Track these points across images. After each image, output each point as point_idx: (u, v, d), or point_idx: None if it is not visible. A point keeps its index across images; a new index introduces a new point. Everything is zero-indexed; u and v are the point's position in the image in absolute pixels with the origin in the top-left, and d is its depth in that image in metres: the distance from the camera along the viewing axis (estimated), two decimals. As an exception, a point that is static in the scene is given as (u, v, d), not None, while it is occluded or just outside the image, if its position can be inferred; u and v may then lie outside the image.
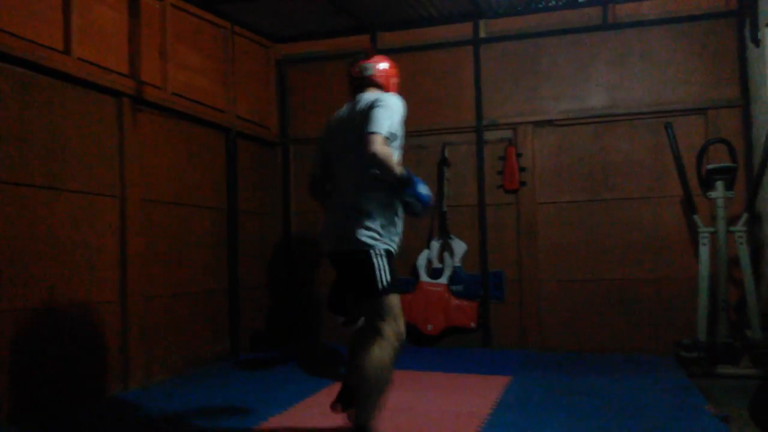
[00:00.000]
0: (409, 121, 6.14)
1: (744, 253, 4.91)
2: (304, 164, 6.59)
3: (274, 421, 3.69)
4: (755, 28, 5.13)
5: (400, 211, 3.13)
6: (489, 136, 6.14)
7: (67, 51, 4.18)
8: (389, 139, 2.91)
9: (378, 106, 2.95)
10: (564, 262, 5.91)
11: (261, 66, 6.53)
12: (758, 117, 5.24)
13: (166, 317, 5.02)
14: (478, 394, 4.26)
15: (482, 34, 6.22)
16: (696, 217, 5.18)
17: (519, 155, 5.99)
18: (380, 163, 2.85)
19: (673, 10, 5.76)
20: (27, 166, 3.89)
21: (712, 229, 5.06)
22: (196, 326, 5.37)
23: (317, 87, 6.64)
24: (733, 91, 5.57)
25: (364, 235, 2.97)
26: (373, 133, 2.85)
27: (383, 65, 3.33)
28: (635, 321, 5.68)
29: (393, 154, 2.91)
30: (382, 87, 3.28)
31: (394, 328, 2.95)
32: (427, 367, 5.20)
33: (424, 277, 5.99)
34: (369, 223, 2.99)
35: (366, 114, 2.96)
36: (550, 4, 6.01)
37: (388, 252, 3.01)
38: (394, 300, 3.01)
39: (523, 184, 5.98)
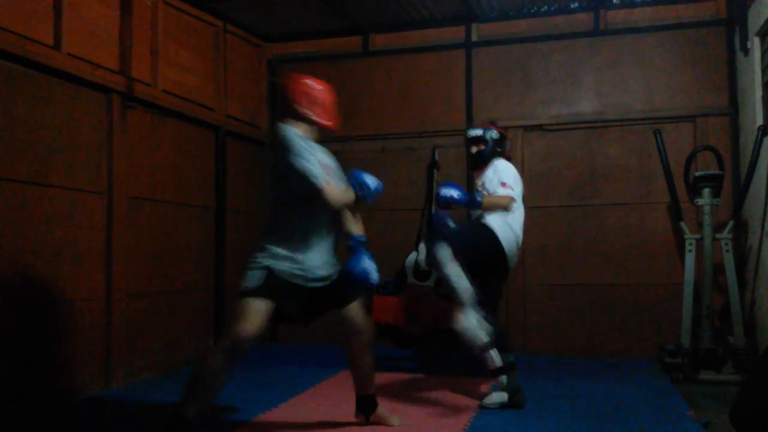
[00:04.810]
0: (399, 123, 6.26)
1: (729, 260, 4.95)
2: (294, 164, 6.59)
3: (258, 421, 3.69)
4: (744, 37, 5.17)
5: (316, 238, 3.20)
6: (479, 139, 6.15)
7: (57, 46, 4.16)
8: (325, 177, 3.05)
9: (292, 158, 3.03)
10: (550, 266, 5.93)
11: (252, 65, 6.52)
12: (746, 125, 5.29)
13: (151, 315, 5.00)
14: (462, 397, 4.27)
15: (474, 38, 6.25)
16: (682, 224, 5.21)
17: (508, 159, 5.99)
18: (343, 206, 3.16)
19: (664, 18, 5.81)
20: (13, 162, 3.87)
21: (698, 236, 5.09)
22: (181, 325, 5.35)
23: (308, 87, 6.63)
24: (722, 99, 5.62)
25: (256, 257, 3.15)
26: (318, 188, 3.02)
27: (285, 93, 3.25)
28: (619, 326, 5.71)
29: (340, 193, 3.11)
30: (295, 112, 3.21)
31: (235, 330, 3.03)
32: (413, 370, 5.20)
33: (411, 279, 5.99)
34: (267, 247, 3.13)
35: (277, 155, 3.10)
36: (542, 10, 6.04)
37: (265, 268, 3.10)
38: (253, 304, 3.07)
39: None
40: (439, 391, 4.48)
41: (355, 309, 3.35)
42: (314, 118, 3.21)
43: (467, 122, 6.16)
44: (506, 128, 6.02)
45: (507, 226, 4.09)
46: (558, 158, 5.99)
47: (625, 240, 5.77)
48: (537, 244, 5.96)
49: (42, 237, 4.04)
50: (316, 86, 3.23)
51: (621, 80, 5.88)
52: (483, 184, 4.27)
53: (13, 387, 3.81)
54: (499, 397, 3.93)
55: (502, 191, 4.06)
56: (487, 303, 4.01)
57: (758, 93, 4.96)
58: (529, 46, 6.10)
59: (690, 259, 5.08)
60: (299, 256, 3.13)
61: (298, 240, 3.13)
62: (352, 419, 3.58)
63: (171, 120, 5.28)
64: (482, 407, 3.93)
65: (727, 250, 4.97)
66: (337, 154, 6.29)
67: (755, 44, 5.01)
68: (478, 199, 4.01)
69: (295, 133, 3.10)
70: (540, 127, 6.03)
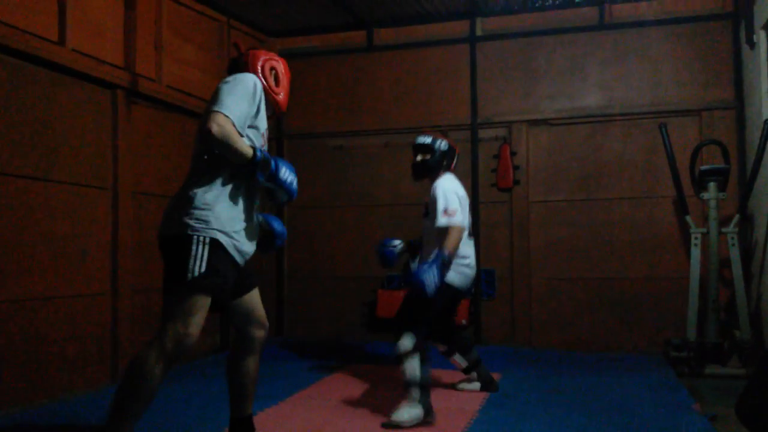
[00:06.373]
0: (403, 118, 6.25)
1: (735, 254, 4.93)
2: (298, 159, 6.59)
3: (264, 415, 3.69)
4: (750, 30, 5.15)
5: (253, 203, 2.77)
6: (484, 134, 6.14)
7: (61, 42, 4.17)
8: (233, 117, 2.56)
9: (224, 82, 2.67)
10: (555, 260, 5.92)
11: (257, 60, 6.51)
12: (751, 119, 5.27)
13: (158, 311, 5.00)
14: (467, 390, 4.28)
15: (479, 32, 6.23)
16: (688, 218, 5.19)
17: (513, 153, 6.00)
18: (218, 143, 2.51)
19: (670, 11, 5.78)
20: (19, 157, 3.88)
21: (703, 230, 5.08)
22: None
23: (312, 82, 6.62)
24: (728, 93, 5.59)
25: (188, 217, 2.57)
26: (212, 111, 2.53)
27: (246, 61, 2.90)
28: (625, 320, 5.70)
29: (235, 134, 2.54)
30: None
31: (176, 333, 2.47)
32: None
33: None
34: (199, 206, 2.58)
35: (213, 93, 2.68)
36: (546, 4, 6.02)
37: (214, 242, 2.56)
38: (199, 301, 2.52)
39: (516, 182, 5.99)
40: (444, 384, 4.48)
41: (257, 297, 2.87)
42: (273, 90, 2.87)
43: (472, 117, 6.15)
44: (511, 122, 6.05)
45: (462, 269, 3.88)
46: (563, 152, 5.97)
47: (630, 234, 5.75)
48: (542, 239, 5.95)
49: (47, 232, 4.05)
50: (279, 60, 2.94)
51: (626, 74, 5.85)
52: (428, 206, 4.00)
53: (20, 383, 3.83)
54: (408, 413, 3.51)
55: (443, 221, 3.72)
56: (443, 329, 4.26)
57: (764, 86, 4.93)
58: (534, 40, 6.08)
59: (695, 253, 5.07)
60: (235, 218, 2.66)
61: (232, 198, 2.65)
62: (359, 415, 3.59)
63: (175, 115, 5.28)
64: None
65: (733, 244, 4.95)
66: (341, 149, 6.46)
67: (761, 38, 4.98)
68: (436, 259, 3.59)
69: (255, 79, 2.74)
70: (545, 122, 6.01)
